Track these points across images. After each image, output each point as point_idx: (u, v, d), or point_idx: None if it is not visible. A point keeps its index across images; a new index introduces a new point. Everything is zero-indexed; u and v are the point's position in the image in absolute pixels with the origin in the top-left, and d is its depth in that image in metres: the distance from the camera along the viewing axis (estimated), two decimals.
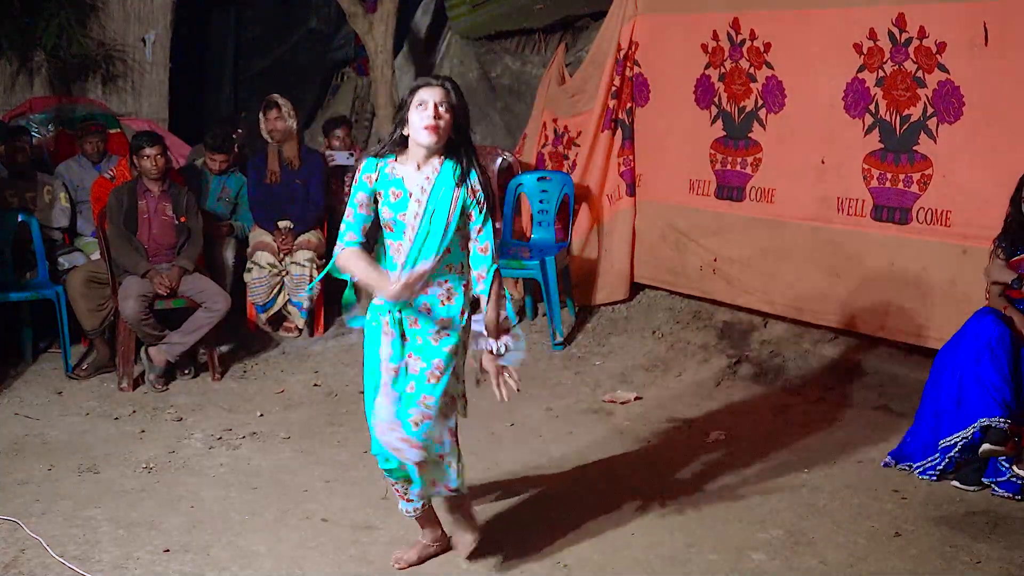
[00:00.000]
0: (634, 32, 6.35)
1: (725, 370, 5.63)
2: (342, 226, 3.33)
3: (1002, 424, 4.01)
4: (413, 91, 3.25)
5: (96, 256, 6.00)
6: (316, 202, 6.61)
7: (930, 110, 4.90)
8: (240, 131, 7.56)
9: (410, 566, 3.58)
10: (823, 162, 5.37)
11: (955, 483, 4.22)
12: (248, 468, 4.51)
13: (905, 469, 4.36)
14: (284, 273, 6.42)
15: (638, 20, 6.33)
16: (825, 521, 3.93)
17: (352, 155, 7.16)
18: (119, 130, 7.22)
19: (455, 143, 3.28)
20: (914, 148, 4.98)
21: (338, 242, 3.33)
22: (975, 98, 4.74)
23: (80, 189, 6.40)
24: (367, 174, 3.32)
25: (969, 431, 4.10)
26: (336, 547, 3.73)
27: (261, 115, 6.64)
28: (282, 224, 6.47)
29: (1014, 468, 4.02)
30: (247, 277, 6.38)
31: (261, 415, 5.22)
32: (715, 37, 5.89)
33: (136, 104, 7.87)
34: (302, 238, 6.44)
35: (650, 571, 3.44)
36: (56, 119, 7.22)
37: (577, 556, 3.65)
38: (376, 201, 3.33)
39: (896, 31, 4.99)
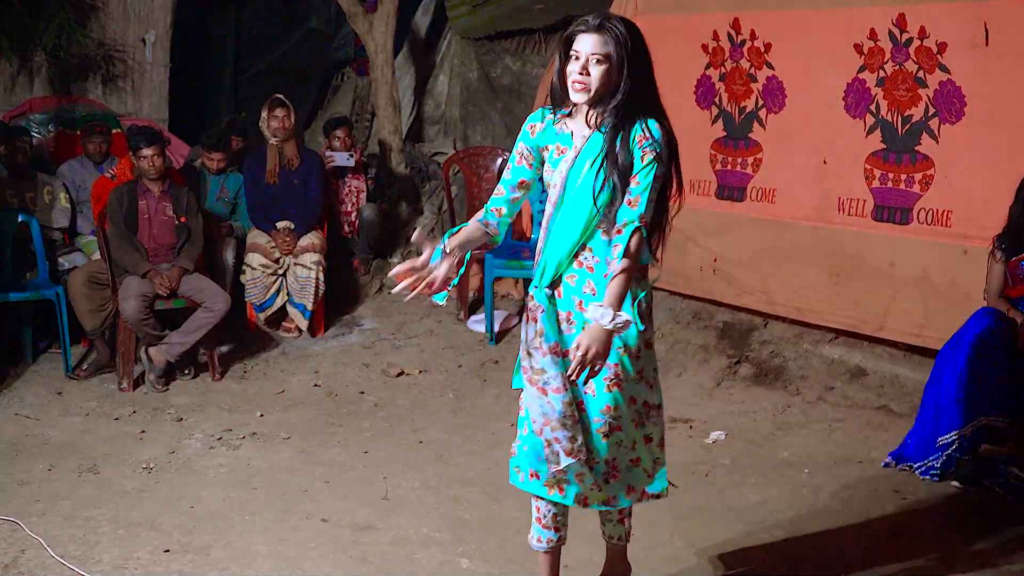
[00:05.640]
0: None
1: (725, 370, 5.62)
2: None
3: (1001, 423, 4.01)
4: (569, 38, 2.77)
5: (96, 256, 5.99)
6: (316, 202, 6.60)
7: (931, 110, 4.90)
8: (245, 113, 7.52)
9: None
10: (825, 162, 5.37)
11: (955, 483, 4.22)
12: (248, 468, 4.51)
13: (905, 469, 4.36)
14: (281, 272, 6.41)
15: (638, 20, 6.30)
16: (825, 521, 3.93)
17: (352, 156, 7.14)
18: (119, 130, 7.22)
19: (626, 93, 2.75)
20: (916, 148, 4.98)
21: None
22: (976, 98, 4.74)
23: (81, 189, 6.39)
24: (532, 123, 2.91)
25: (968, 429, 4.10)
26: (336, 547, 3.73)
27: (265, 113, 6.61)
28: (281, 224, 6.46)
29: (1012, 469, 4.02)
30: (243, 278, 6.38)
31: (261, 415, 5.21)
32: (715, 37, 5.88)
33: (136, 104, 7.87)
34: (304, 241, 6.42)
35: (650, 571, 3.43)
36: (56, 119, 7.21)
37: (577, 556, 3.64)
38: (542, 157, 2.93)
39: (897, 31, 4.99)
